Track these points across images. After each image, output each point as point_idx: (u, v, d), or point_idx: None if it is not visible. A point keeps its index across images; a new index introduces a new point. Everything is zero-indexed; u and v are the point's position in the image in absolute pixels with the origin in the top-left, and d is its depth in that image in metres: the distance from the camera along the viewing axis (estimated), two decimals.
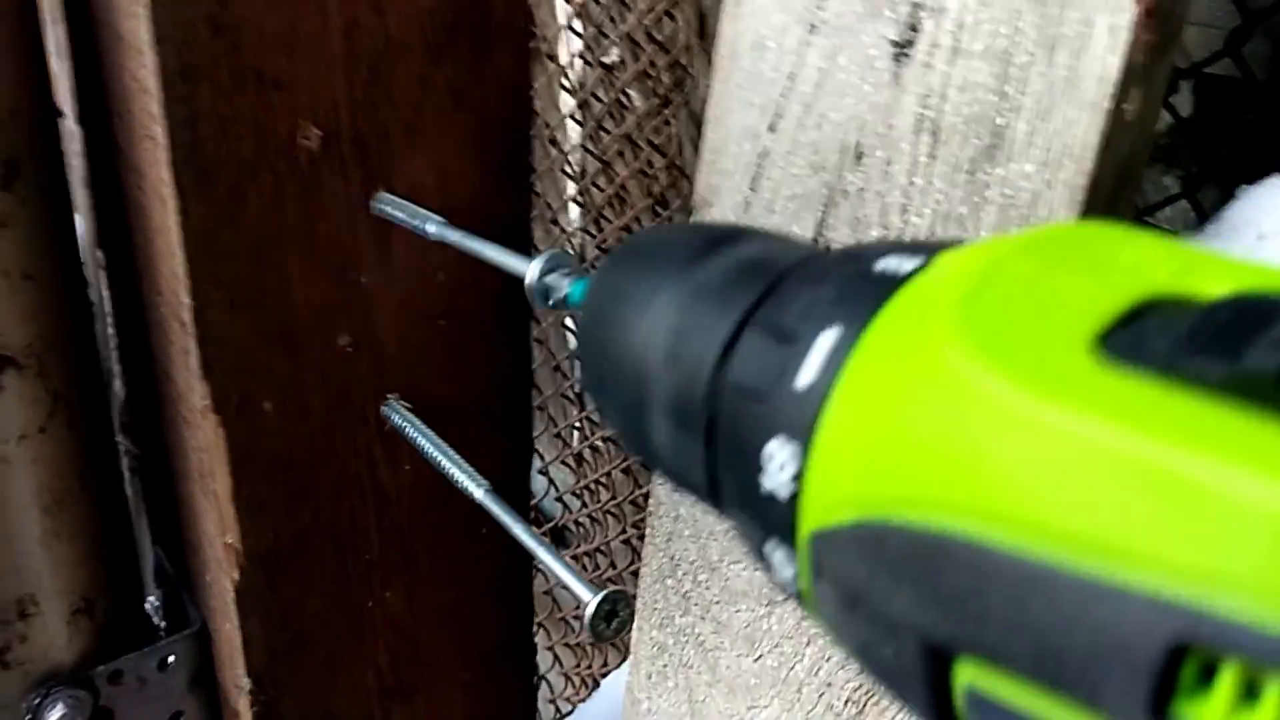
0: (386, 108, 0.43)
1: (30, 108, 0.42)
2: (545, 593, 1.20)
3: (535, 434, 1.27)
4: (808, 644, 0.39)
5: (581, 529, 1.13)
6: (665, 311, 0.18)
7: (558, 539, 1.20)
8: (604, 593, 0.32)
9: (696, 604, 0.45)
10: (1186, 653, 0.10)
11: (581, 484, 1.09)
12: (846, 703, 0.38)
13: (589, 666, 1.14)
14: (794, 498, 0.14)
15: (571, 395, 1.12)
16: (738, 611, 0.43)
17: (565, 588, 0.34)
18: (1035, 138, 0.30)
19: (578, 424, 1.12)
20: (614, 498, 1.02)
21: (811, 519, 0.14)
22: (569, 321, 1.18)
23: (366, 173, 0.43)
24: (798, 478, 0.14)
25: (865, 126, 0.34)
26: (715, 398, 0.16)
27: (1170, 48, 0.29)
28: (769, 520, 0.15)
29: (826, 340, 0.15)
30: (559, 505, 1.20)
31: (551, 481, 1.15)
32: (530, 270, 0.29)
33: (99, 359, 0.49)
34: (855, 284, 0.15)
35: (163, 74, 0.37)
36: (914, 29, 0.32)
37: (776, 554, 0.15)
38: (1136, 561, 0.10)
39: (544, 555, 0.35)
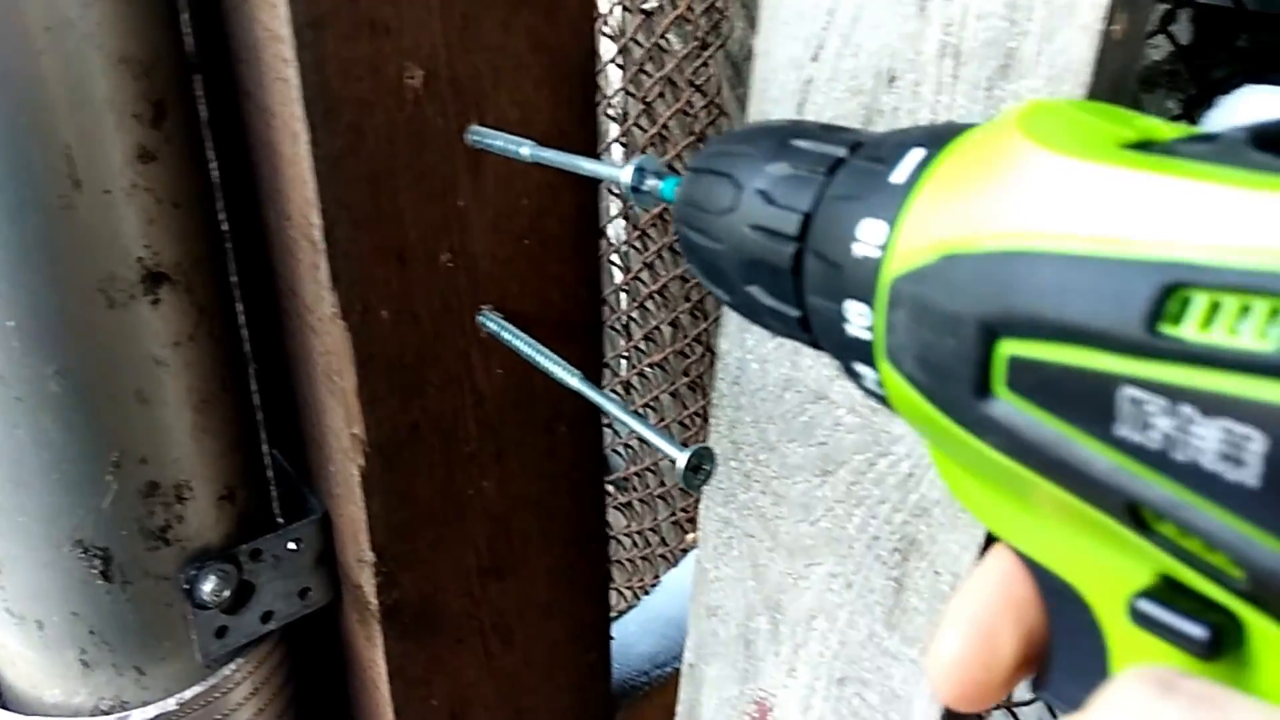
0: (476, 50, 0.49)
1: (171, 55, 0.49)
2: None
3: None
4: (857, 505, 0.46)
5: (631, 450, 1.21)
6: (764, 176, 0.25)
7: (606, 464, 1.28)
8: (692, 449, 0.39)
9: (757, 480, 0.51)
10: (1172, 291, 0.15)
11: (631, 409, 1.16)
12: (892, 551, 0.45)
13: (640, 581, 1.22)
14: (881, 257, 0.21)
15: (619, 327, 1.19)
16: (795, 484, 0.49)
17: (658, 449, 0.40)
18: (1041, 57, 0.35)
19: (626, 354, 1.18)
20: (661, 419, 1.09)
21: (895, 268, 0.20)
22: (614, 257, 1.24)
23: (461, 108, 0.49)
24: (886, 244, 0.21)
25: (896, 54, 0.40)
26: (805, 226, 0.23)
27: None
28: (855, 284, 0.22)
29: (915, 155, 0.21)
30: (606, 432, 1.27)
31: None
32: (625, 173, 0.35)
33: (228, 280, 0.56)
34: (936, 129, 0.22)
35: (294, 23, 0.44)
36: None
37: (851, 309, 0.22)
38: (1145, 246, 0.16)
39: (635, 424, 0.42)
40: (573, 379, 0.46)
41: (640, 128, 1.16)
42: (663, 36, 1.08)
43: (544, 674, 0.67)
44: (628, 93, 1.17)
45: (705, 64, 1.02)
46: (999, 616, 0.23)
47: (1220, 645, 0.17)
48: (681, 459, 0.38)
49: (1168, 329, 0.16)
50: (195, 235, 0.51)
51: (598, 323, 0.61)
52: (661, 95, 1.10)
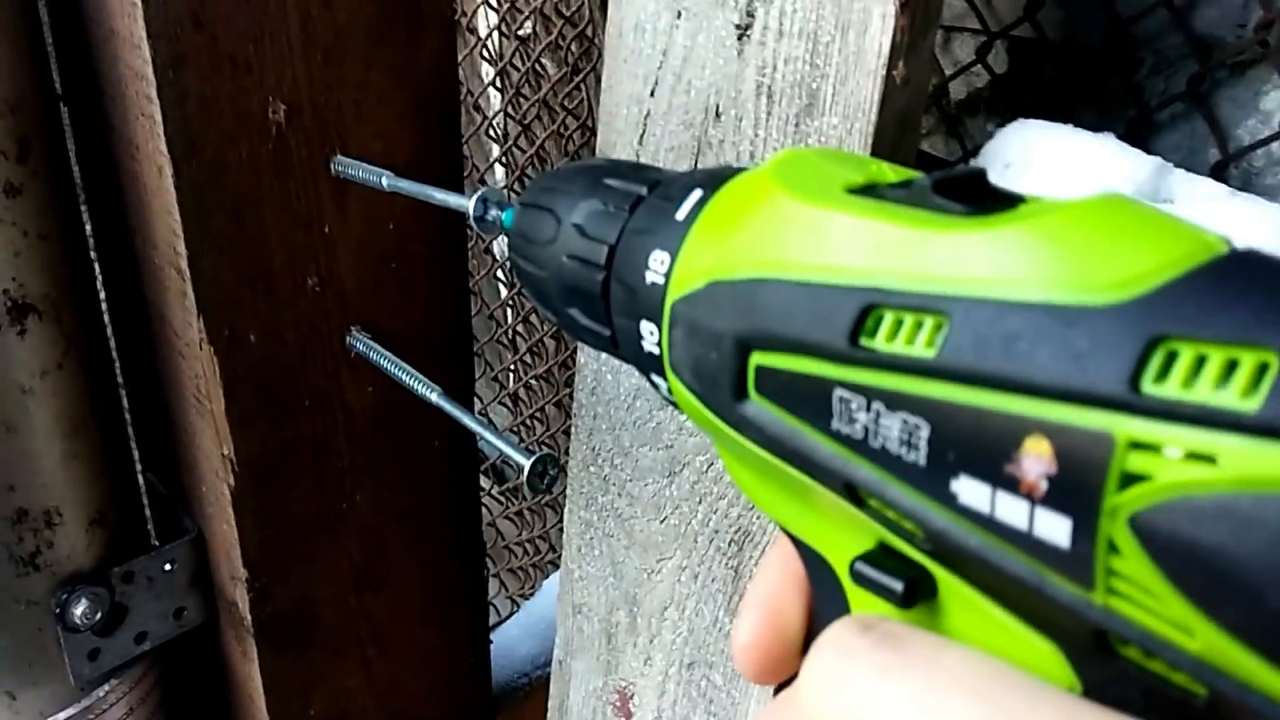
0: (338, 86, 0.51)
1: (37, 91, 0.50)
2: (489, 525, 1.30)
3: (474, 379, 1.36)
4: (700, 502, 0.50)
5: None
6: (579, 211, 0.28)
7: (499, 475, 1.30)
8: (536, 456, 0.42)
9: (614, 484, 0.55)
10: (869, 311, 0.19)
11: (518, 421, 1.19)
12: (729, 542, 0.49)
13: (532, 588, 1.24)
14: (665, 282, 0.25)
15: (505, 341, 1.21)
16: (646, 485, 0.53)
17: (507, 460, 0.43)
18: (838, 97, 0.40)
19: (512, 367, 1.21)
20: (547, 429, 1.12)
21: (675, 293, 0.24)
22: (499, 274, 1.27)
23: (324, 139, 0.52)
24: (668, 273, 0.25)
25: (721, 91, 0.45)
26: (610, 257, 0.27)
27: (929, 29, 0.39)
28: (646, 306, 0.25)
29: (695, 195, 0.25)
30: None
31: (491, 421, 1.25)
32: (471, 203, 0.38)
33: (99, 309, 0.57)
34: (714, 172, 0.26)
35: (156, 62, 0.46)
36: (750, 15, 0.42)
37: (645, 328, 0.26)
38: (851, 274, 0.20)
39: (488, 435, 0.45)
40: (432, 394, 0.49)
41: (520, 148, 1.19)
42: (538, 61, 1.12)
43: (422, 679, 0.69)
44: (507, 115, 1.20)
45: (578, 88, 1.06)
46: (784, 592, 0.27)
47: (914, 596, 0.21)
48: (527, 465, 0.41)
49: (865, 341, 0.19)
50: (62, 266, 0.52)
51: (467, 339, 0.64)
52: (539, 118, 1.13)
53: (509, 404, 1.25)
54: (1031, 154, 0.41)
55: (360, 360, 0.56)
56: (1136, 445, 0.15)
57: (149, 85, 0.46)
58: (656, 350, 0.26)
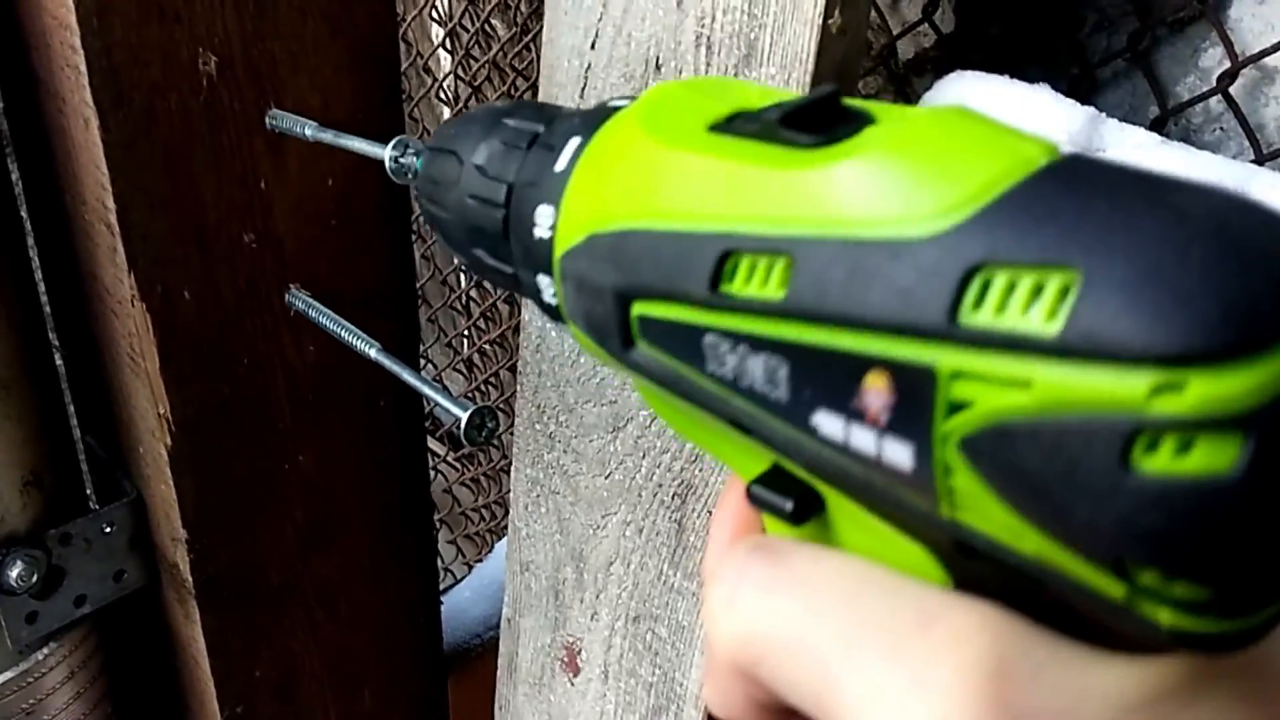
0: (272, 37, 0.50)
1: None
2: (445, 491, 1.29)
3: (427, 345, 1.35)
4: (644, 456, 0.50)
5: None
6: (480, 152, 0.28)
7: (454, 441, 1.29)
8: (473, 408, 0.42)
9: (559, 440, 0.55)
10: (727, 256, 0.19)
11: (473, 386, 1.18)
12: (673, 496, 0.49)
13: (488, 553, 1.24)
14: (552, 237, 0.24)
15: (459, 307, 1.20)
16: (591, 441, 0.53)
17: (445, 409, 0.43)
18: (775, 47, 0.40)
19: (466, 333, 1.20)
20: (502, 394, 1.12)
21: (560, 246, 0.24)
22: None
23: (259, 93, 0.51)
24: (554, 225, 0.24)
25: (661, 43, 0.44)
26: (509, 195, 0.26)
27: None
28: (539, 260, 0.25)
29: (573, 144, 0.25)
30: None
31: (446, 387, 1.24)
32: (386, 152, 0.38)
33: (30, 267, 0.56)
34: (592, 114, 0.25)
35: (80, 11, 0.44)
36: None
37: (542, 281, 0.25)
38: (709, 219, 0.20)
39: (425, 389, 0.45)
40: (371, 350, 0.48)
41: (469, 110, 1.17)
42: (487, 22, 1.10)
43: (372, 641, 0.69)
44: (458, 76, 1.19)
45: (528, 48, 1.04)
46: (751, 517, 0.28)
47: (805, 513, 0.21)
48: (464, 417, 0.41)
49: (725, 287, 0.20)
50: None
51: (411, 296, 0.63)
52: (489, 79, 1.12)
53: (463, 370, 1.24)
54: (967, 104, 0.41)
55: (301, 319, 0.55)
56: (958, 375, 0.15)
57: (73, 35, 0.45)
58: (554, 302, 0.26)
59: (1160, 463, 0.14)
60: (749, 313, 0.19)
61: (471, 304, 1.22)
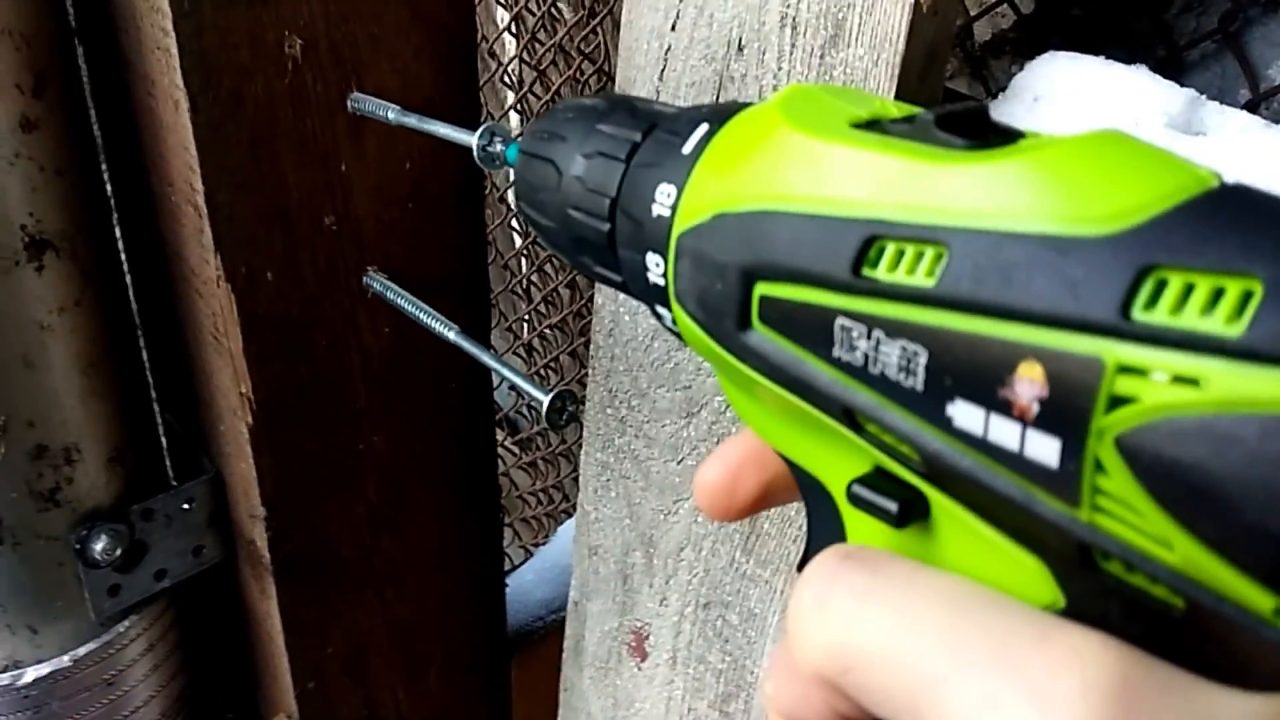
0: (355, 19, 0.51)
1: (52, 25, 0.50)
2: (503, 475, 1.30)
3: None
4: (717, 443, 0.50)
5: (535, 412, 1.23)
6: (579, 163, 0.28)
7: (512, 426, 1.30)
8: (554, 391, 0.42)
9: (631, 425, 0.55)
10: (871, 242, 0.19)
11: (533, 371, 1.19)
12: None
13: (546, 537, 1.25)
14: (672, 214, 0.25)
15: (520, 290, 1.21)
16: (663, 426, 0.53)
17: (524, 393, 0.43)
18: (864, 27, 0.39)
19: (527, 317, 1.21)
20: (562, 379, 1.12)
21: (681, 225, 0.24)
22: (514, 223, 1.27)
23: (341, 75, 0.51)
24: (674, 205, 0.25)
25: (744, 24, 0.44)
26: (624, 176, 0.26)
27: None
28: (652, 238, 0.25)
29: (701, 130, 0.25)
30: (512, 395, 1.30)
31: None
32: (475, 138, 0.38)
33: (116, 248, 0.57)
34: (721, 106, 0.26)
35: None
36: None
37: (651, 259, 0.25)
38: (855, 206, 0.20)
39: (506, 372, 0.45)
40: (450, 333, 0.49)
41: (535, 95, 1.18)
42: (554, 5, 1.10)
43: (438, 621, 0.69)
44: (523, 60, 1.19)
45: (594, 31, 1.04)
46: (746, 466, 0.29)
47: (908, 516, 0.21)
48: (545, 400, 0.41)
49: (867, 271, 0.20)
50: (79, 203, 0.52)
51: (484, 281, 0.63)
52: (554, 63, 1.12)
53: (523, 354, 1.25)
54: (1061, 86, 0.40)
55: (377, 301, 0.56)
56: (1125, 369, 0.15)
57: (165, 18, 0.46)
58: (662, 282, 0.26)
59: None
60: (891, 298, 0.19)
61: (532, 289, 1.22)
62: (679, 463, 0.52)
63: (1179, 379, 0.15)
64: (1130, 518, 0.16)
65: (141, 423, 0.59)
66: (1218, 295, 0.15)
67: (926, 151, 0.19)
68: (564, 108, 0.31)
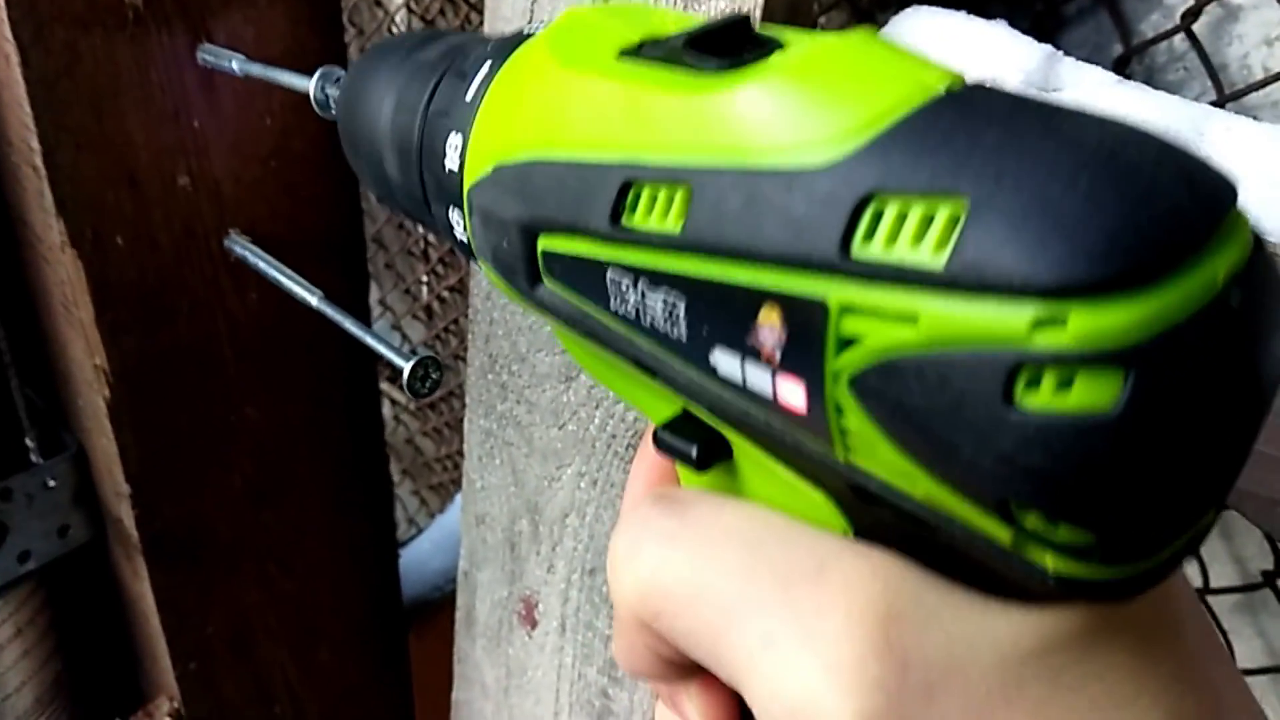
0: None
1: None
2: (408, 442, 1.28)
3: (385, 291, 1.32)
4: (596, 408, 0.49)
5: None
6: (395, 81, 0.26)
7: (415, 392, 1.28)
8: (416, 358, 0.40)
9: (512, 391, 0.54)
10: (629, 187, 0.18)
11: (433, 334, 1.17)
12: (627, 447, 0.48)
13: (452, 504, 1.24)
14: (461, 168, 0.23)
15: (417, 251, 1.18)
16: (544, 391, 0.52)
17: (387, 360, 0.42)
18: None
19: (424, 279, 1.18)
20: (462, 342, 1.10)
21: (469, 178, 0.23)
22: None
23: (188, 26, 0.48)
24: (463, 155, 0.23)
25: None
26: (423, 126, 0.25)
27: None
28: (450, 192, 0.24)
29: (483, 71, 0.23)
30: None
31: (405, 335, 1.22)
32: (311, 84, 0.36)
33: None
34: (507, 41, 0.24)
35: None
36: None
37: (454, 216, 0.24)
38: (612, 148, 0.18)
39: (369, 340, 0.43)
40: (312, 298, 0.46)
41: None
42: None
43: (329, 596, 0.68)
44: (410, 9, 1.15)
45: None
46: (667, 466, 0.28)
47: (709, 460, 0.21)
48: (407, 367, 0.39)
49: (626, 220, 0.18)
50: None
51: (359, 242, 0.61)
52: (442, 12, 1.08)
53: (423, 316, 1.22)
54: (922, 41, 0.39)
55: (242, 265, 0.53)
56: (848, 309, 0.15)
57: None
58: (465, 238, 0.24)
59: (1042, 399, 0.13)
60: (648, 246, 0.18)
61: (429, 249, 1.19)
62: (560, 428, 0.51)
63: (898, 316, 0.14)
64: (876, 456, 0.16)
65: None
66: (929, 222, 0.14)
67: (675, 80, 0.18)
68: (375, 47, 0.29)
